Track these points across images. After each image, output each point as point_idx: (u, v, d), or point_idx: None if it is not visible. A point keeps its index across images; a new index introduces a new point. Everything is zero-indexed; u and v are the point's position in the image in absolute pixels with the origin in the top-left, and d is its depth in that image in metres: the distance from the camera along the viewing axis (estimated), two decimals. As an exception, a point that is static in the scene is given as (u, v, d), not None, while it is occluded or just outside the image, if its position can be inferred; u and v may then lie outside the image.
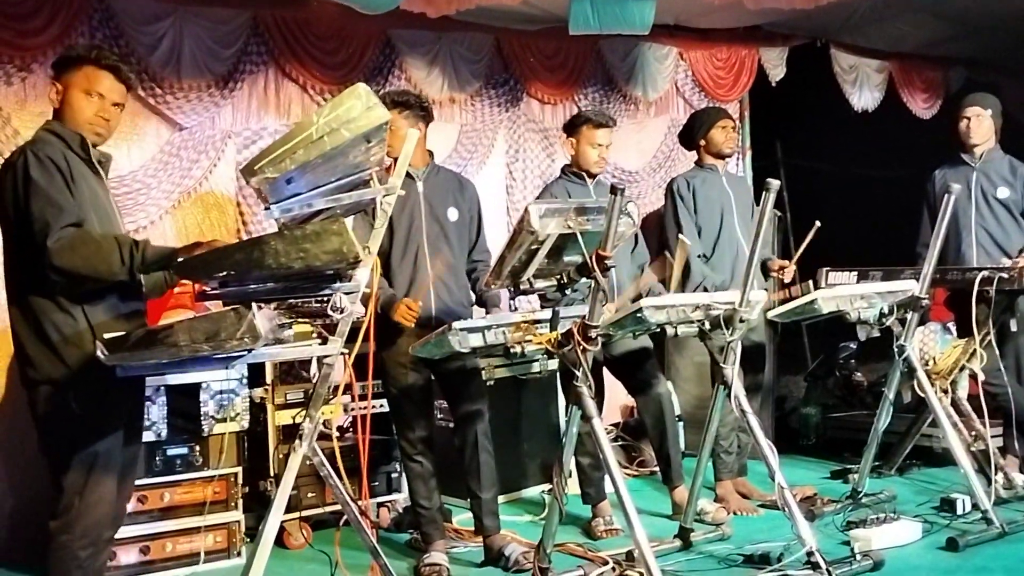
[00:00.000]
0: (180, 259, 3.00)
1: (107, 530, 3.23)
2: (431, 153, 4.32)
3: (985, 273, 4.71)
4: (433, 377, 4.21)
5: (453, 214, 4.25)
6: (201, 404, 4.23)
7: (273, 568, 3.35)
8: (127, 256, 2.99)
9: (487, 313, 4.24)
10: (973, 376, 4.96)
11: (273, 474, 4.43)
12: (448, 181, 4.35)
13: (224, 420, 4.28)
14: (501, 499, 4.32)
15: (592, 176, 4.69)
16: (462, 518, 4.75)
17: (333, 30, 5.52)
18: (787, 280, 4.94)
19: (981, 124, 5.25)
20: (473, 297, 4.34)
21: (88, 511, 3.08)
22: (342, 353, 3.23)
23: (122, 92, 3.28)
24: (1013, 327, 4.99)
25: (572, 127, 4.70)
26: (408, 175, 4.12)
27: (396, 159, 3.53)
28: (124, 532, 3.95)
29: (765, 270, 4.97)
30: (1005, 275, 4.69)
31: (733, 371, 3.98)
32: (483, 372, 4.78)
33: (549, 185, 4.86)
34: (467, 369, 4.19)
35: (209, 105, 5.21)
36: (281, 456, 4.42)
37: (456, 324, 3.47)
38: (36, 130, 3.25)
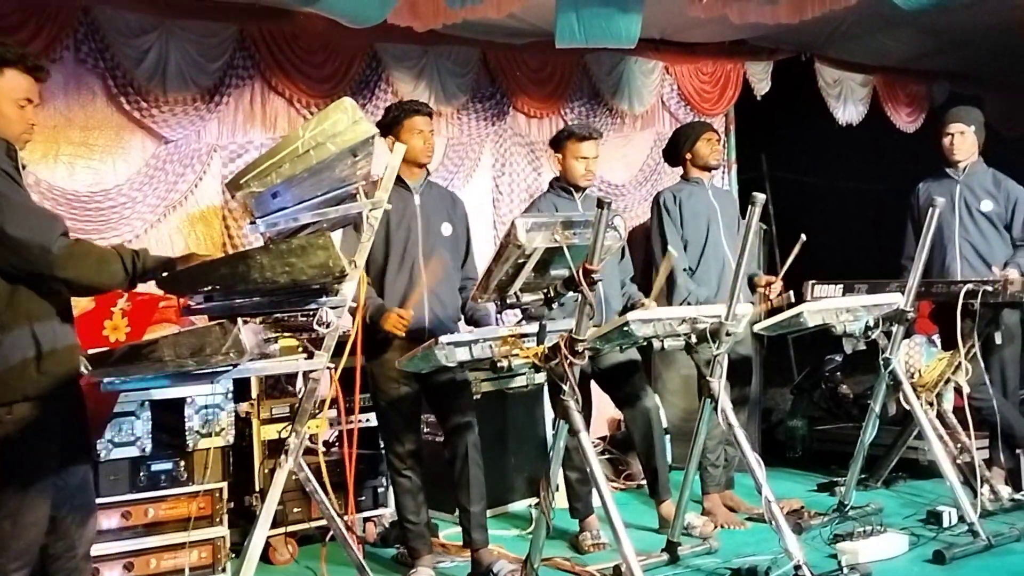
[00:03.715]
0: (164, 274, 2.97)
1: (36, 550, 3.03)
2: (427, 169, 4.34)
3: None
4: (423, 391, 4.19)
5: (447, 229, 4.27)
6: (186, 419, 4.20)
7: (258, 584, 3.32)
8: (129, 265, 2.94)
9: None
10: (958, 389, 4.97)
11: (259, 489, 4.41)
12: (442, 197, 4.39)
13: (209, 435, 4.25)
14: (488, 513, 4.30)
15: (580, 190, 4.69)
16: (449, 532, 4.73)
17: (320, 44, 5.53)
18: (773, 296, 4.95)
19: (964, 140, 5.27)
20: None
21: (22, 534, 2.93)
22: (328, 367, 3.22)
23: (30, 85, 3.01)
24: (998, 340, 5.00)
25: (557, 142, 4.72)
26: (407, 188, 4.16)
27: (423, 164, 4.18)
28: (108, 548, 3.94)
29: (752, 286, 4.99)
30: (990, 288, 4.71)
31: (720, 384, 3.98)
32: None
33: (536, 200, 4.86)
34: (457, 381, 4.18)
35: (195, 118, 5.20)
36: (267, 471, 4.39)
37: (443, 338, 3.47)
38: None
